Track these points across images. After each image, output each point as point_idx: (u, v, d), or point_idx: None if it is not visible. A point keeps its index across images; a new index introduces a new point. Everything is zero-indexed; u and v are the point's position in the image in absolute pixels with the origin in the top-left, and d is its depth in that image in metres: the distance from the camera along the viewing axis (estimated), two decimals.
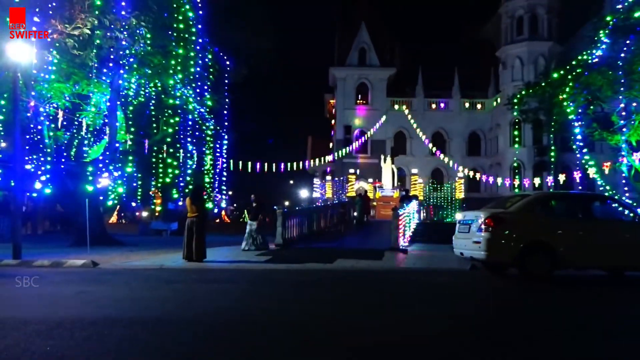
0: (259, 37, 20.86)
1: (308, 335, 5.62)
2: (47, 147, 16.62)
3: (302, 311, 6.93)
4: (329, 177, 37.62)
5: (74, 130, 18.21)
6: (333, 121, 49.28)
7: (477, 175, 40.76)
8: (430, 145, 45.01)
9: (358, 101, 47.68)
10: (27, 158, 15.23)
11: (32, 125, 15.92)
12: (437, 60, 44.89)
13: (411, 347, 5.22)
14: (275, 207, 18.61)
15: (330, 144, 48.45)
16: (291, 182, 51.34)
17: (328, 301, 7.80)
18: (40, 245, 14.91)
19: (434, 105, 47.44)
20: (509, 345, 5.37)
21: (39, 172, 16.03)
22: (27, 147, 15.20)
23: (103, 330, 5.60)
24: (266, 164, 33.72)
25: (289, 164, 36.02)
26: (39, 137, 16.35)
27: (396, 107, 46.81)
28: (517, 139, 42.88)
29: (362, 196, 26.74)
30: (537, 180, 35.70)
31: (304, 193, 48.73)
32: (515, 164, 42.76)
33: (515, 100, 30.15)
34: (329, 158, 41.50)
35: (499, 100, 44.30)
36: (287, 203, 50.00)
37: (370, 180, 39.44)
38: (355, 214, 25.89)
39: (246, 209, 15.82)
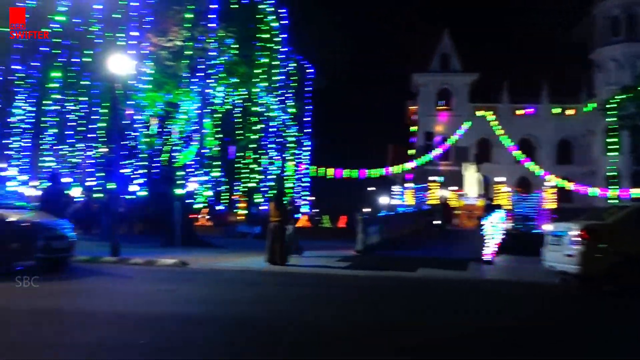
0: (340, 45, 21.11)
1: (378, 345, 5.56)
2: (142, 152, 17.66)
3: (378, 320, 6.85)
4: (409, 184, 37.13)
5: (166, 137, 19.22)
6: (414, 128, 48.65)
7: (568, 185, 38.59)
8: (517, 152, 43.21)
9: (440, 107, 46.79)
10: (124, 163, 16.24)
11: (129, 132, 16.98)
12: (524, 64, 43.21)
13: None
14: (356, 213, 18.60)
15: (411, 151, 47.84)
16: (371, 188, 51.15)
17: (408, 311, 7.67)
18: (135, 245, 15.82)
19: (520, 111, 45.55)
20: None
21: (135, 176, 17.06)
22: (124, 153, 16.22)
23: (191, 327, 5.85)
24: (347, 171, 33.90)
25: (369, 171, 35.96)
26: (134, 143, 17.40)
27: (480, 113, 45.41)
28: (613, 147, 40.18)
29: (443, 204, 26.16)
30: (636, 191, 33.21)
31: (383, 200, 48.39)
32: (611, 173, 40.07)
33: (611, 105, 28.28)
34: (410, 165, 40.96)
35: (591, 105, 41.78)
36: (367, 210, 49.82)
37: (452, 188, 38.49)
38: (437, 222, 25.36)
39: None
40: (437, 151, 43.89)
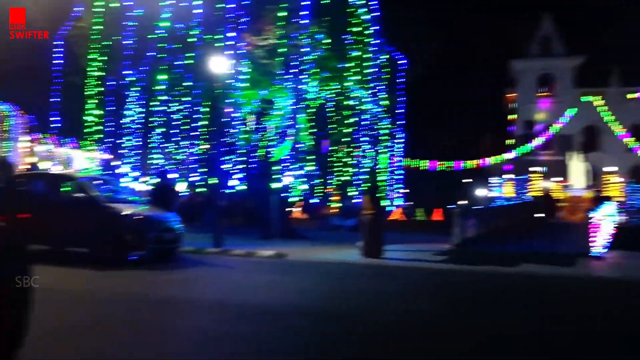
0: (432, 34, 20.58)
1: (481, 345, 5.39)
2: (240, 148, 18.40)
3: (477, 318, 6.65)
4: (508, 176, 35.56)
5: (262, 133, 19.88)
6: (512, 116, 46.43)
7: None
8: (629, 139, 39.88)
9: (541, 94, 44.24)
10: (224, 159, 17.03)
11: (228, 129, 17.76)
12: (635, 44, 39.61)
13: None
14: (452, 206, 18.15)
15: (509, 141, 45.70)
16: (467, 180, 49.60)
17: (504, 309, 7.36)
18: (236, 236, 16.48)
19: (632, 95, 41.91)
20: None
21: (234, 171, 17.83)
22: (224, 149, 17.00)
23: (289, 318, 6.04)
24: (441, 162, 33.12)
25: (464, 162, 34.89)
26: (233, 139, 18.17)
27: (586, 98, 42.38)
28: None
29: (546, 196, 24.79)
30: None
31: (480, 192, 46.75)
32: None
33: None
34: (508, 155, 39.20)
35: None
36: (463, 202, 48.42)
37: (556, 179, 36.33)
38: (539, 215, 24.10)
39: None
40: (539, 140, 41.59)
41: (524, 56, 44.42)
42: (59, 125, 19.45)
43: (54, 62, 18.13)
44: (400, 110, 22.48)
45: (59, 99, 18.46)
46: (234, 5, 15.84)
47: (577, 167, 33.12)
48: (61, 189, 10.95)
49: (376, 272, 10.85)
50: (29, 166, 21.14)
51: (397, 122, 22.69)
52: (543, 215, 23.80)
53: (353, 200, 21.62)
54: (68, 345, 4.62)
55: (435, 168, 35.96)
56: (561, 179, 35.33)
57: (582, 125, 42.40)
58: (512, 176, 35.13)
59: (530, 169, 35.71)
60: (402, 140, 24.03)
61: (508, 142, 44.83)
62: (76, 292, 7.26)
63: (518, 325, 6.08)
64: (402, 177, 25.32)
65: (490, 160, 39.02)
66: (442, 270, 11.33)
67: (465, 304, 7.54)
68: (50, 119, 19.09)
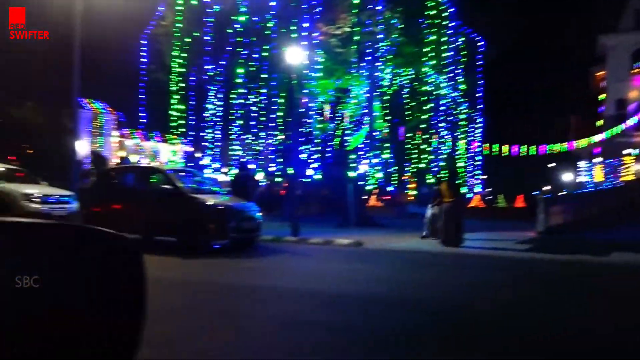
0: (512, 12, 19.64)
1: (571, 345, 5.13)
2: (316, 137, 18.59)
3: (562, 310, 6.35)
4: (597, 159, 33.47)
5: (337, 122, 19.96)
6: (602, 96, 43.50)
7: None
8: None
9: (634, 70, 41.09)
10: (301, 148, 17.29)
11: (304, 119, 17.99)
12: None
13: None
14: (537, 192, 17.39)
15: (599, 122, 42.91)
16: (552, 165, 47.23)
17: (595, 302, 6.97)
18: (313, 225, 16.73)
19: None
20: None
21: (310, 161, 18.06)
22: (301, 139, 17.26)
23: (369, 306, 6.06)
24: (524, 147, 31.74)
25: (549, 146, 33.22)
26: (309, 129, 18.39)
27: None
28: None
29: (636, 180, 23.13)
30: None
31: (567, 177, 44.40)
32: None
33: None
34: (598, 137, 36.85)
35: None
36: (547, 188, 46.25)
37: None
38: (633, 200, 22.56)
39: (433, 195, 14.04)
40: (632, 120, 38.75)
41: (615, 30, 41.39)
42: (146, 120, 20.55)
43: (140, 60, 19.14)
44: (479, 94, 21.73)
45: (145, 96, 19.49)
46: None
47: None
48: (149, 181, 11.58)
49: (456, 261, 10.63)
50: (120, 159, 22.51)
51: (476, 106, 21.96)
52: (636, 200, 22.23)
53: (435, 188, 21.27)
54: (159, 329, 4.90)
55: (518, 152, 34.51)
56: None
57: None
58: (602, 159, 33.01)
59: (624, 151, 33.39)
60: (482, 124, 23.25)
61: (598, 123, 42.12)
62: (165, 279, 7.66)
63: (607, 320, 5.75)
64: (481, 162, 24.55)
65: (577, 143, 36.90)
66: (526, 260, 10.92)
67: (553, 294, 7.23)
68: (138, 114, 20.20)
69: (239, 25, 16.75)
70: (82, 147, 19.18)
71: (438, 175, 16.41)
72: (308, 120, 18.16)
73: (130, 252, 1.17)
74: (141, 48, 19.10)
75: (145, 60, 19.19)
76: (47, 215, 12.65)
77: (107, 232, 1.17)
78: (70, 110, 17.00)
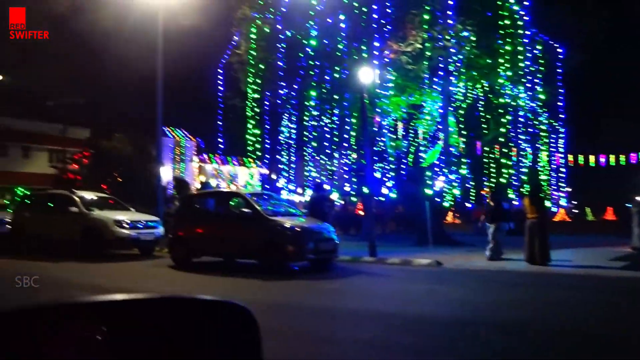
0: (594, 16, 18.62)
1: None
2: (390, 155, 18.44)
3: None
4: None
5: (410, 138, 19.71)
6: None
7: None
8: None
9: None
10: (374, 167, 17.21)
11: (377, 138, 17.93)
12: None
13: None
14: (630, 204, 16.26)
15: None
16: None
17: None
18: (389, 244, 16.54)
19: None
20: None
21: (385, 179, 17.91)
22: (374, 158, 17.19)
23: (454, 330, 5.85)
24: (612, 156, 29.87)
25: None
26: (383, 147, 18.29)
27: None
28: None
29: None
30: None
31: None
32: None
33: None
34: None
35: None
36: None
37: None
38: None
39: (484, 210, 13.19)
40: None
41: None
42: (223, 145, 21.32)
43: (217, 88, 19.98)
44: (560, 103, 20.73)
45: (222, 122, 20.27)
46: (377, 16, 16.01)
47: None
48: (230, 205, 11.94)
49: (543, 280, 10.10)
50: (201, 184, 23.44)
51: (558, 116, 20.96)
52: None
53: (514, 202, 20.45)
54: None
55: (606, 162, 32.52)
56: None
57: None
58: None
59: None
60: (564, 135, 22.15)
61: None
62: (247, 302, 7.83)
63: None
64: (566, 174, 23.34)
65: None
66: (623, 279, 10.18)
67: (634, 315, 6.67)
68: (216, 140, 21.00)
69: (310, 49, 17.11)
70: (166, 173, 20.17)
71: (520, 190, 15.78)
72: (381, 139, 18.08)
73: (252, 322, 1.18)
74: (218, 76, 19.94)
75: (222, 88, 20.01)
76: (136, 239, 13.35)
77: (233, 304, 1.20)
78: (155, 139, 17.96)
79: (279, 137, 19.28)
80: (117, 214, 13.71)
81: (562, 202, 24.88)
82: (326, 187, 17.56)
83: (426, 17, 15.39)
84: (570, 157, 25.81)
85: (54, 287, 8.95)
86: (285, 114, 19.19)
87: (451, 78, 17.08)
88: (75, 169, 30.96)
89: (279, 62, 17.82)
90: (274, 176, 20.38)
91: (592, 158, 31.78)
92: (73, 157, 32.12)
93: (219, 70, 20.10)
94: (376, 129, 17.77)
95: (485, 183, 20.43)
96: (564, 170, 22.77)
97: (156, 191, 17.60)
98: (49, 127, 34.00)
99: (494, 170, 19.29)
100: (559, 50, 20.21)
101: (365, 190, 15.56)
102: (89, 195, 14.84)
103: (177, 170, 28.12)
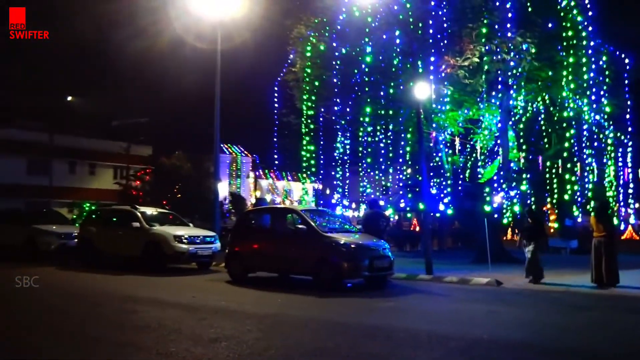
0: None
1: None
2: (447, 171, 18.10)
3: None
4: None
5: (468, 154, 19.29)
6: None
7: None
8: None
9: None
10: (431, 182, 16.93)
11: (433, 153, 17.66)
12: None
13: None
14: None
15: None
16: None
17: None
18: (446, 261, 16.12)
19: None
20: None
21: (441, 195, 17.57)
22: (430, 173, 16.92)
23: (517, 354, 5.60)
24: None
25: None
26: (439, 162, 17.98)
27: None
28: None
29: None
30: None
31: None
32: None
33: None
34: None
35: None
36: None
37: None
38: None
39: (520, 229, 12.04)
40: None
41: None
42: (279, 161, 21.62)
43: (273, 105, 20.35)
44: (628, 116, 19.75)
45: (277, 138, 20.58)
46: (433, 31, 15.87)
47: None
48: (285, 221, 12.02)
49: (611, 303, 9.54)
50: (256, 199, 23.82)
51: (626, 129, 19.98)
52: None
53: (579, 220, 19.58)
54: None
55: None
56: None
57: None
58: None
59: None
60: (633, 148, 21.06)
61: None
62: (300, 318, 7.81)
63: None
64: (634, 190, 22.15)
65: None
66: None
67: None
68: (271, 156, 21.33)
69: (365, 66, 17.15)
70: (223, 189, 20.61)
71: (586, 207, 15.07)
72: (437, 154, 17.80)
73: None
74: (274, 94, 20.31)
75: (278, 105, 20.34)
76: (194, 254, 13.65)
77: None
78: (212, 155, 18.40)
79: (334, 153, 19.37)
80: (176, 229, 14.08)
81: (631, 219, 23.58)
82: (381, 203, 17.41)
83: (484, 30, 15.10)
84: None
85: (115, 300, 9.25)
86: (340, 130, 19.27)
87: (510, 92, 16.64)
88: (138, 185, 32.25)
89: (333, 79, 17.96)
90: (328, 192, 20.44)
91: None
92: (136, 174, 33.48)
93: (274, 87, 20.49)
94: (432, 144, 17.52)
95: (547, 199, 19.70)
96: (632, 185, 21.62)
97: (213, 206, 17.98)
98: (113, 145, 35.64)
99: (556, 186, 18.57)
100: (625, 60, 19.33)
101: (421, 206, 15.30)
102: (150, 211, 15.34)
103: (234, 185, 28.71)
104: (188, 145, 30.43)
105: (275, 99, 20.52)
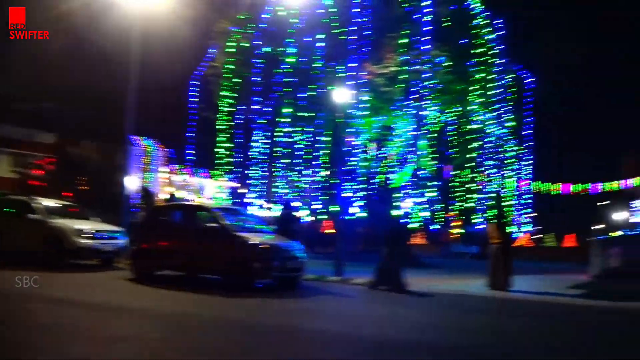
0: (564, 49, 19.25)
1: None
2: (360, 175, 18.54)
3: None
4: None
5: (381, 160, 19.88)
6: None
7: None
8: None
9: None
10: (345, 186, 17.26)
11: (348, 157, 18.03)
12: None
13: None
14: (589, 232, 16.69)
15: None
16: (604, 203, 45.35)
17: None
18: (356, 264, 16.45)
19: None
20: None
21: (355, 198, 17.97)
22: (345, 177, 17.25)
23: (411, 354, 5.87)
24: (575, 185, 30.68)
25: (603, 184, 31.99)
26: (353, 166, 18.39)
27: None
28: None
29: None
30: None
31: (620, 216, 42.48)
32: None
33: None
34: None
35: None
36: (599, 227, 44.30)
37: None
38: None
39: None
40: None
41: None
42: (193, 157, 21.12)
43: (190, 99, 19.84)
44: (528, 131, 21.29)
45: (193, 134, 20.09)
46: (356, 37, 16.24)
47: None
48: (196, 219, 11.74)
49: (504, 306, 10.22)
50: (168, 195, 23.05)
51: (525, 144, 21.50)
52: None
53: (478, 227, 20.77)
54: None
55: (569, 190, 33.40)
56: None
57: None
58: None
59: None
60: (530, 162, 22.70)
61: None
62: (207, 319, 7.68)
63: None
64: (530, 201, 23.87)
65: (633, 181, 35.39)
66: (579, 307, 10.38)
67: (609, 348, 6.79)
68: (186, 151, 20.80)
69: (287, 66, 17.19)
70: (132, 182, 19.76)
71: (486, 215, 15.93)
72: (352, 158, 18.18)
73: None
74: (192, 88, 19.81)
75: (196, 99, 19.87)
76: (97, 250, 12.98)
77: None
78: (123, 147, 17.61)
79: (250, 152, 19.24)
80: (79, 222, 13.29)
81: (526, 227, 25.39)
82: (295, 204, 17.50)
83: (403, 41, 15.68)
84: (536, 185, 26.40)
85: (10, 298, 8.60)
86: (258, 129, 19.16)
87: (424, 102, 17.36)
88: (39, 174, 30.10)
89: (254, 77, 17.83)
90: (243, 191, 20.24)
91: (556, 186, 32.60)
92: (35, 162, 31.19)
93: (194, 81, 19.98)
94: (348, 149, 17.88)
95: (452, 206, 20.71)
96: (529, 196, 23.29)
97: (122, 200, 17.21)
98: (13, 131, 33.01)
99: (461, 194, 19.59)
100: (529, 80, 20.82)
101: (335, 208, 15.57)
102: (50, 203, 14.37)
103: (145, 180, 27.64)
104: (98, 135, 28.88)
105: (194, 94, 20.04)
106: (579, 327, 8.46)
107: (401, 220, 18.14)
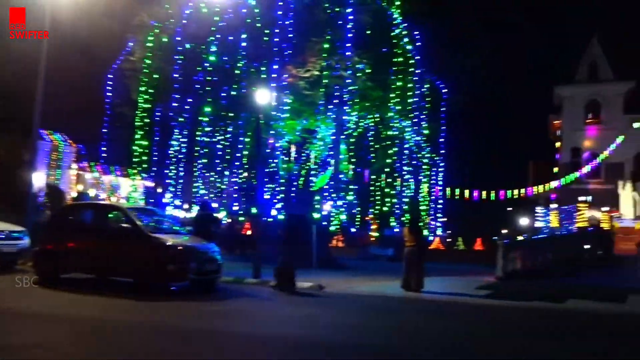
0: (476, 62, 20.37)
1: None
2: (281, 177, 18.59)
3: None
4: (553, 205, 34.52)
5: (302, 162, 20.05)
6: (558, 144, 45.21)
7: None
8: None
9: (588, 120, 42.95)
10: (265, 188, 17.23)
11: (269, 159, 18.03)
12: None
13: None
14: (496, 236, 17.72)
15: (555, 169, 44.44)
16: (510, 209, 48.35)
17: (551, 351, 7.04)
18: (274, 266, 16.49)
19: None
20: None
21: (275, 200, 17.99)
22: (265, 179, 17.23)
23: (331, 354, 5.96)
24: (484, 192, 32.47)
25: (508, 191, 34.10)
26: (274, 168, 18.41)
27: (638, 125, 40.83)
28: None
29: (595, 227, 23.87)
30: None
31: (524, 221, 45.49)
32: None
33: None
34: (554, 184, 38.12)
35: None
36: (506, 232, 47.22)
37: (605, 208, 35.02)
38: (587, 246, 23.18)
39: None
40: (586, 169, 40.31)
41: (571, 82, 43.37)
42: (107, 154, 20.23)
43: (105, 94, 18.97)
44: (442, 140, 22.29)
45: (107, 130, 19.24)
46: (278, 39, 16.26)
47: (627, 197, 31.84)
48: (107, 219, 11.25)
49: (416, 306, 10.63)
50: (78, 193, 21.92)
51: (439, 151, 22.48)
52: (590, 247, 22.86)
53: (396, 230, 21.46)
54: None
55: (478, 197, 35.29)
56: (610, 208, 34.02)
57: (633, 153, 40.83)
58: (558, 206, 34.06)
59: (580, 198, 34.56)
60: (444, 169, 23.78)
61: (555, 170, 43.61)
62: (118, 322, 7.39)
63: None
64: (443, 206, 24.96)
65: (535, 189, 38.01)
66: (485, 306, 11.00)
67: (510, 344, 7.26)
68: (99, 148, 19.88)
69: (208, 64, 16.89)
70: (39, 179, 18.58)
71: (402, 219, 16.61)
72: (273, 160, 18.20)
73: None
74: (107, 82, 18.95)
75: (111, 94, 19.02)
76: None
77: None
78: (30, 141, 16.53)
79: (169, 151, 18.69)
80: None
81: (439, 231, 26.54)
82: (214, 205, 17.23)
83: (326, 45, 15.90)
84: (448, 190, 27.67)
85: None
86: (177, 127, 18.67)
87: (345, 107, 17.70)
88: None
89: (174, 74, 17.37)
90: (159, 190, 19.64)
91: (466, 192, 34.28)
92: None
93: (109, 75, 19.14)
94: (269, 150, 17.88)
95: (370, 210, 21.26)
96: (441, 201, 24.38)
97: (25, 198, 16.12)
98: None
99: (379, 198, 20.17)
100: (443, 90, 21.80)
101: (254, 210, 15.50)
102: None
103: (52, 177, 26.06)
104: (2, 128, 26.93)
105: (109, 88, 19.18)
106: (483, 324, 8.97)
107: (299, 218, 18.41)
